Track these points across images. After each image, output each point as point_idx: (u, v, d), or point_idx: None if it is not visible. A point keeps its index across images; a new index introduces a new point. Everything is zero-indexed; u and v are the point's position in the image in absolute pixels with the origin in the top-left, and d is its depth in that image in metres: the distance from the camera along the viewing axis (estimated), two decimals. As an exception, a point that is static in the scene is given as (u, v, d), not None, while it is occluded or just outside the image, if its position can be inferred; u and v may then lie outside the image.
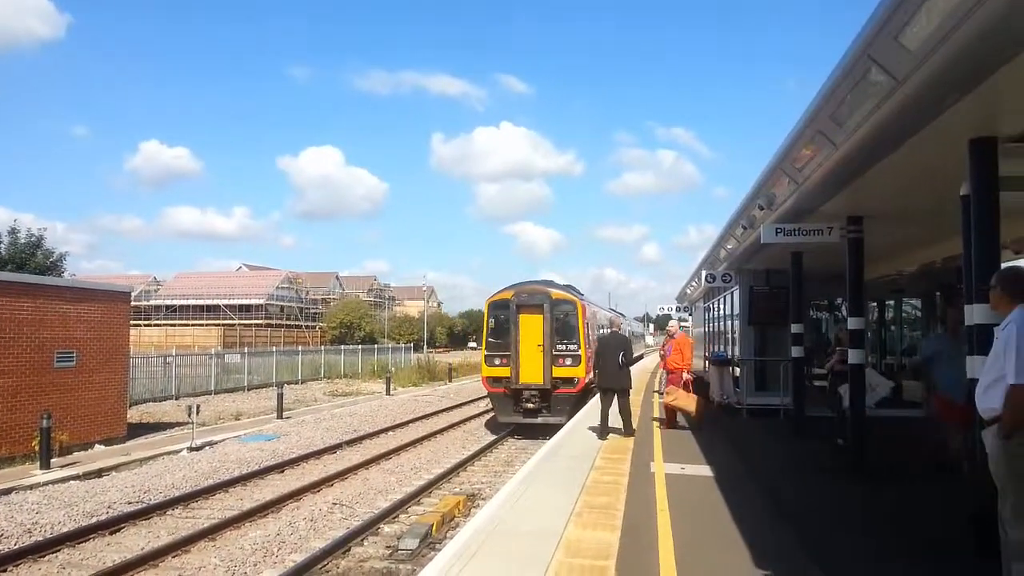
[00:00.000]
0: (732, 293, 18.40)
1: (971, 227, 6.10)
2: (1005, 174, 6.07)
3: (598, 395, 13.44)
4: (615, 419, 12.62)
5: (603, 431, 12.59)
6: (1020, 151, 6.16)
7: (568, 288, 21.26)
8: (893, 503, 7.96)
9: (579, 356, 17.29)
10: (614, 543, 6.37)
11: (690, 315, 33.48)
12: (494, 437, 17.88)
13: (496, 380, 18.41)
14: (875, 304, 18.25)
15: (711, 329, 23.94)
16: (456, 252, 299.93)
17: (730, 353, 18.61)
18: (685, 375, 13.65)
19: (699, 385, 19.72)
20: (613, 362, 12.33)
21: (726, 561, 5.96)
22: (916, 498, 8.14)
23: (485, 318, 19.30)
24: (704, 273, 18.49)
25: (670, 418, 13.65)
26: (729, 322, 19.33)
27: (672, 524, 6.99)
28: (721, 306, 21.07)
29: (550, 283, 20.62)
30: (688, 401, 13.29)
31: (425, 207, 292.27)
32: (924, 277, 15.21)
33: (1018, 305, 4.52)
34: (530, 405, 18.18)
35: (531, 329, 18.30)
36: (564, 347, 17.83)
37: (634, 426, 12.87)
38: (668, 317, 27.29)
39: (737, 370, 17.45)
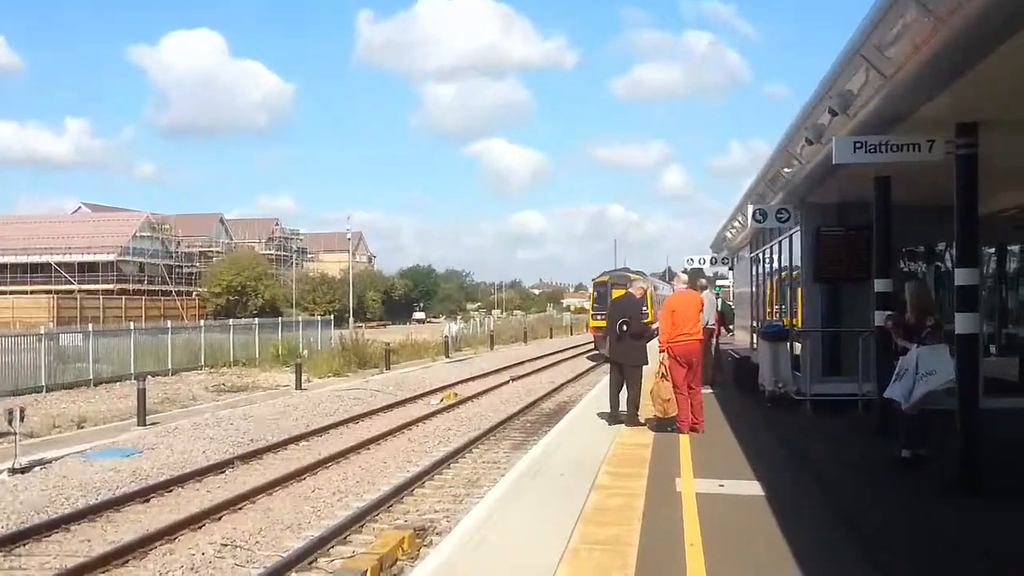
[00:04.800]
0: (790, 237, 18.36)
1: None
2: None
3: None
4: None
5: (611, 417, 14.71)
6: None
7: (639, 273, 45.17)
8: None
9: (647, 313, 24.71)
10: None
11: (730, 269, 33.50)
12: (453, 447, 17.98)
13: (598, 328, 39.69)
14: (993, 250, 18.28)
15: (760, 289, 24.06)
16: (395, 184, 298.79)
17: (787, 322, 18.73)
18: (661, 356, 13.90)
19: (744, 367, 19.99)
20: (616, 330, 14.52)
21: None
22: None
23: (592, 292, 46.67)
24: (751, 209, 18.34)
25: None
26: (786, 279, 19.40)
27: (708, 571, 7.01)
28: (775, 256, 21.11)
29: (628, 270, 47.50)
30: (660, 399, 13.68)
31: (348, 118, 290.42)
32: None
33: None
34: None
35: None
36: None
37: (640, 417, 14.32)
38: (699, 272, 27.55)
39: (797, 346, 17.51)
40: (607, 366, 18.34)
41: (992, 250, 18.11)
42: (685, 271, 19.69)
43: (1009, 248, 18.47)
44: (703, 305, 15.27)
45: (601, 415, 15.32)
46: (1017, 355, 17.72)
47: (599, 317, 39.88)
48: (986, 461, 9.67)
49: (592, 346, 47.71)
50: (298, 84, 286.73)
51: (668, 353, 13.80)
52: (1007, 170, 12.31)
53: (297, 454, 18.35)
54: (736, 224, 25.58)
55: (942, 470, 10.15)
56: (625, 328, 14.27)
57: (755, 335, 20.70)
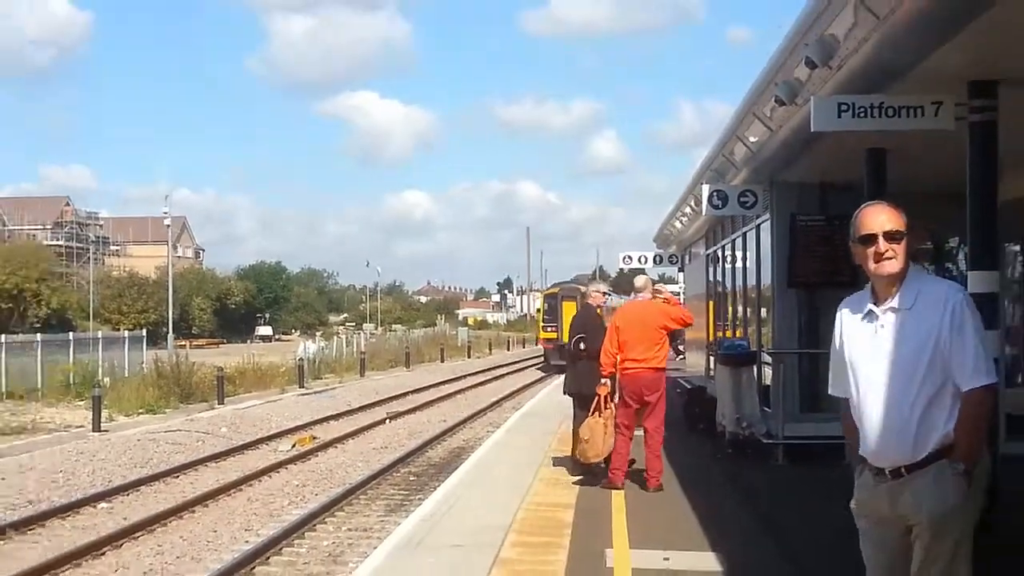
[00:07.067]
0: (757, 228, 18.61)
1: None
2: None
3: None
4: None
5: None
6: None
7: (594, 279, 45.39)
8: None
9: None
10: None
11: (681, 271, 33.59)
12: (309, 509, 17.57)
13: (548, 340, 56.65)
14: (1020, 247, 18.41)
15: (718, 297, 24.42)
16: (229, 152, 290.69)
17: (754, 342, 18.81)
18: (601, 381, 13.74)
19: (697, 401, 20.23)
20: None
21: None
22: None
23: (542, 303, 66.12)
24: (706, 191, 18.58)
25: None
26: (752, 282, 19.66)
27: None
28: (736, 254, 21.47)
29: (580, 281, 65.08)
30: (580, 437, 13.64)
31: (165, 62, 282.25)
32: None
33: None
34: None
35: (569, 311, 42.75)
36: None
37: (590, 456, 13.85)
38: (640, 271, 27.48)
39: (767, 373, 17.59)
40: (520, 397, 18.05)
41: (1018, 248, 18.43)
42: (636, 272, 19.35)
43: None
44: (668, 321, 14.15)
45: (559, 462, 15.55)
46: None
47: (549, 329, 57.23)
48: (1012, 519, 9.68)
49: (542, 359, 64.35)
50: (96, 12, 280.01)
51: (604, 378, 13.65)
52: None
53: (94, 520, 17.59)
54: (687, 211, 25.78)
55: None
56: (582, 347, 14.42)
57: (712, 358, 20.68)
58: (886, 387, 5.03)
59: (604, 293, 15.79)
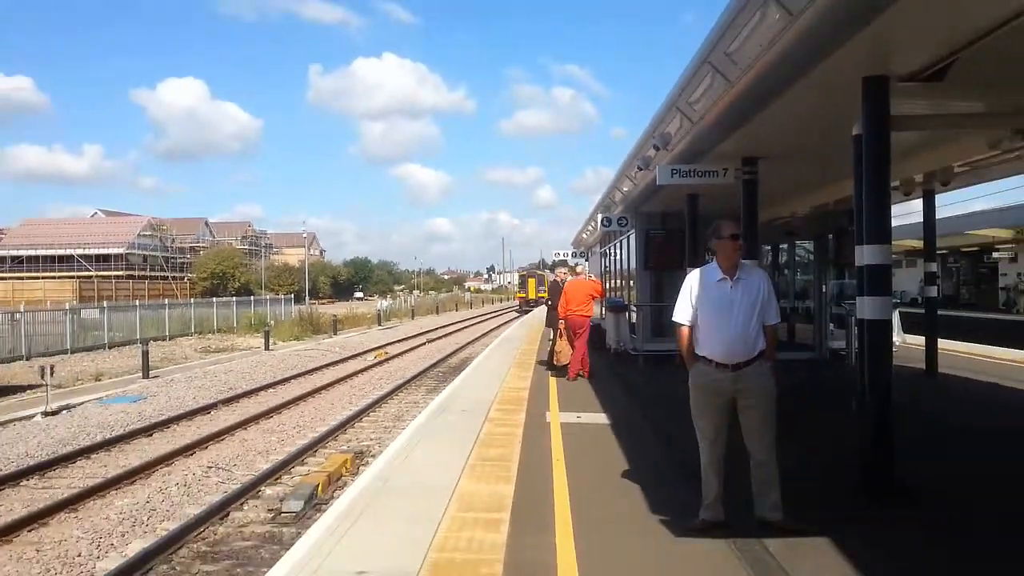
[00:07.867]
0: (628, 237, 18.78)
1: (863, 168, 6.33)
2: (896, 113, 6.33)
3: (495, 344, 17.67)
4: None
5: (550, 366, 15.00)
6: (911, 90, 6.42)
7: (562, 263, 43.08)
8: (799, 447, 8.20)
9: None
10: (508, 495, 6.47)
11: (586, 260, 34.05)
12: (384, 391, 17.85)
13: (520, 297, 61.48)
14: (769, 248, 18.95)
15: (607, 275, 24.46)
16: (338, 196, 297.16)
17: (627, 299, 19.02)
18: (560, 321, 14.37)
19: (595, 332, 20.31)
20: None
21: (623, 509, 6.15)
22: (824, 446, 8.45)
23: (517, 279, 73.06)
24: (600, 216, 18.77)
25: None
26: (626, 267, 19.79)
27: (568, 473, 7.17)
28: (617, 251, 21.49)
29: (539, 267, 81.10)
30: (557, 352, 14.58)
31: (303, 146, 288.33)
32: (817, 219, 15.81)
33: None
34: (529, 306, 53.38)
35: (532, 283, 59.34)
36: (542, 289, 35.62)
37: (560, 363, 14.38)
38: (564, 263, 27.99)
39: (634, 316, 17.84)
40: (500, 331, 18.46)
41: (768, 248, 18.82)
42: (569, 263, 20.07)
43: (780, 247, 19.19)
44: (593, 291, 14.44)
45: (520, 365, 16.13)
46: (785, 322, 18.48)
47: (522, 292, 62.06)
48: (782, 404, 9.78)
49: (517, 307, 65.90)
50: (264, 120, 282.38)
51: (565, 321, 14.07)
52: (776, 191, 12.90)
53: (266, 398, 17.95)
54: (590, 227, 25.99)
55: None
56: (549, 303, 15.55)
57: (603, 308, 20.89)
58: (740, 320, 5.30)
59: (564, 273, 15.94)
